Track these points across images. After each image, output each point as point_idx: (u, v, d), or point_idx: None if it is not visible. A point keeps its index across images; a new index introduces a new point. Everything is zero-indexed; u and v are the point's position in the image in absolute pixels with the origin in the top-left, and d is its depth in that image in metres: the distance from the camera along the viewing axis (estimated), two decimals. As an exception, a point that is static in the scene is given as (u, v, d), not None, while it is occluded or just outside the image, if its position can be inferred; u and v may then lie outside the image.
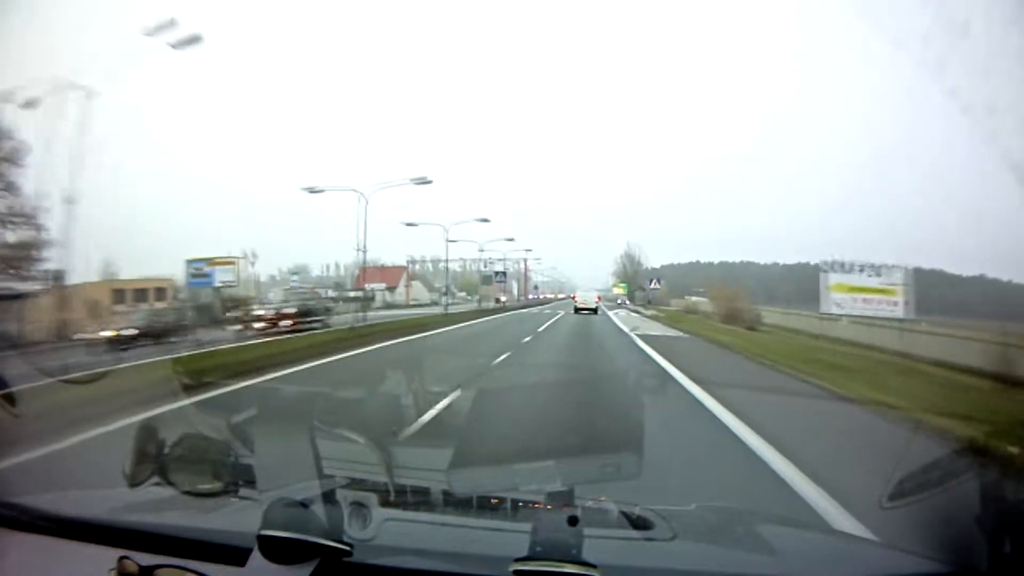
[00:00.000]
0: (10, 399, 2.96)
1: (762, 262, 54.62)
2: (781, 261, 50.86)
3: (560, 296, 68.57)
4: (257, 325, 18.86)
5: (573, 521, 1.17)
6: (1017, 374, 10.70)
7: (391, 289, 43.04)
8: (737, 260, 56.83)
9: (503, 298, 44.22)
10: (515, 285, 59.52)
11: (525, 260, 47.79)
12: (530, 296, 60.76)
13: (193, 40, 14.78)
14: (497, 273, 43.62)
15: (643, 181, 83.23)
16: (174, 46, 14.55)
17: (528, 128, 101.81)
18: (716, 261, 59.10)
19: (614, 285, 59.84)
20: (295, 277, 40.08)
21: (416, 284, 46.72)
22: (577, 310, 32.87)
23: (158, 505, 1.51)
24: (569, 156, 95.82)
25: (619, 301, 51.56)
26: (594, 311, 32.82)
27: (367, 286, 40.83)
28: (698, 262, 60.12)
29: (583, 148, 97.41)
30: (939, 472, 1.96)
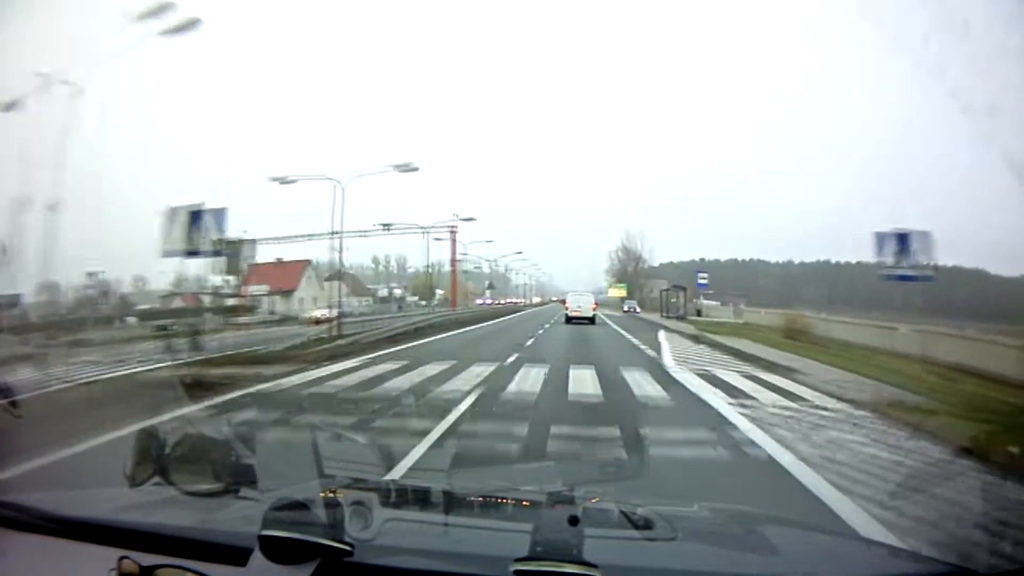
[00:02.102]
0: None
1: (774, 260, 49.04)
2: (797, 259, 45.50)
3: (536, 301, 55.33)
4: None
5: (574, 521, 1.18)
6: None
7: (286, 293, 32.10)
8: (747, 258, 50.76)
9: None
10: (484, 286, 48.90)
11: (453, 232, 30.21)
12: (482, 301, 45.09)
13: (190, 24, 12.23)
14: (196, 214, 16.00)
15: (639, 176, 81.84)
16: (167, 32, 12.00)
17: (516, 120, 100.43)
18: (724, 259, 52.34)
19: (610, 286, 50.72)
20: (94, 277, 25.76)
21: (337, 284, 36.11)
22: (569, 319, 25.56)
23: (158, 505, 1.51)
24: (559, 150, 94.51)
25: (627, 308, 39.79)
26: (591, 320, 25.44)
27: (246, 289, 30.61)
28: (703, 260, 53.45)
29: (574, 142, 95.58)
30: (939, 474, 1.96)
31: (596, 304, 27.64)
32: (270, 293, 31.76)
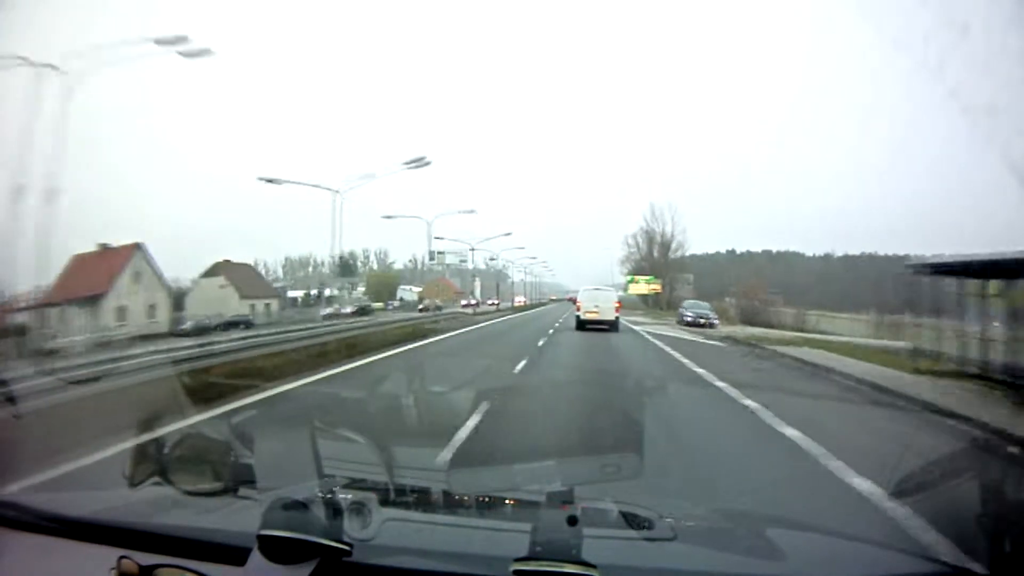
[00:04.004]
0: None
1: (810, 253, 41.13)
2: (839, 251, 37.57)
3: (519, 302, 42.11)
4: None
5: (573, 521, 1.18)
6: None
7: (87, 301, 19.84)
8: (782, 249, 42.16)
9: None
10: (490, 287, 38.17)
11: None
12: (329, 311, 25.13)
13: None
14: None
15: (656, 162, 78.83)
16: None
17: (517, 105, 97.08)
18: (759, 250, 43.04)
19: (630, 280, 36.98)
20: None
21: (218, 281, 26.06)
22: (582, 324, 18.90)
23: (158, 505, 1.52)
24: (563, 134, 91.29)
25: (693, 318, 22.47)
26: (612, 326, 18.79)
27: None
28: (734, 252, 45.07)
29: (581, 126, 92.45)
30: (940, 472, 1.96)
31: (619, 303, 20.29)
32: (47, 303, 18.29)
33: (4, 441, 4.28)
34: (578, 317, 19.59)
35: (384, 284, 37.12)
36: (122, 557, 1.15)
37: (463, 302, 37.09)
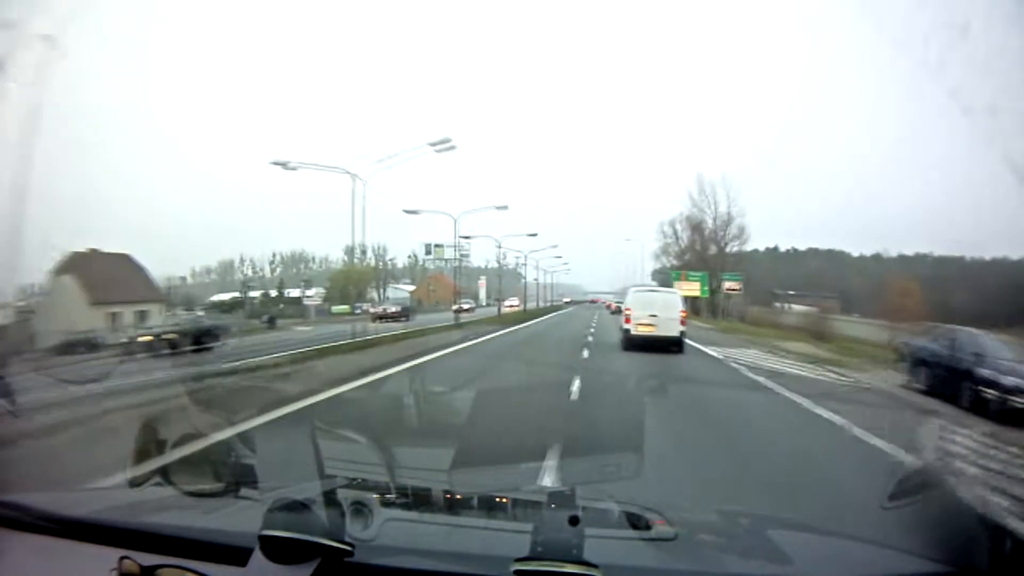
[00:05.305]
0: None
1: (856, 253, 35.13)
2: (890, 251, 32.17)
3: (510, 307, 33.51)
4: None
5: (574, 521, 1.18)
6: None
7: None
8: (828, 247, 36.08)
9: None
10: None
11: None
12: None
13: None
14: None
15: (687, 154, 75.80)
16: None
17: (533, 87, 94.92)
18: (803, 247, 37.56)
19: (676, 276, 26.22)
20: None
21: (67, 281, 19.17)
22: (632, 342, 13.52)
23: (159, 505, 1.52)
24: (586, 122, 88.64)
25: None
26: (676, 344, 13.44)
27: None
28: (775, 249, 39.36)
29: (603, 113, 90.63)
30: (940, 472, 1.96)
31: (684, 312, 14.18)
32: None
33: None
34: (627, 332, 13.71)
35: (354, 282, 28.48)
36: (123, 557, 1.15)
37: (372, 308, 25.14)
